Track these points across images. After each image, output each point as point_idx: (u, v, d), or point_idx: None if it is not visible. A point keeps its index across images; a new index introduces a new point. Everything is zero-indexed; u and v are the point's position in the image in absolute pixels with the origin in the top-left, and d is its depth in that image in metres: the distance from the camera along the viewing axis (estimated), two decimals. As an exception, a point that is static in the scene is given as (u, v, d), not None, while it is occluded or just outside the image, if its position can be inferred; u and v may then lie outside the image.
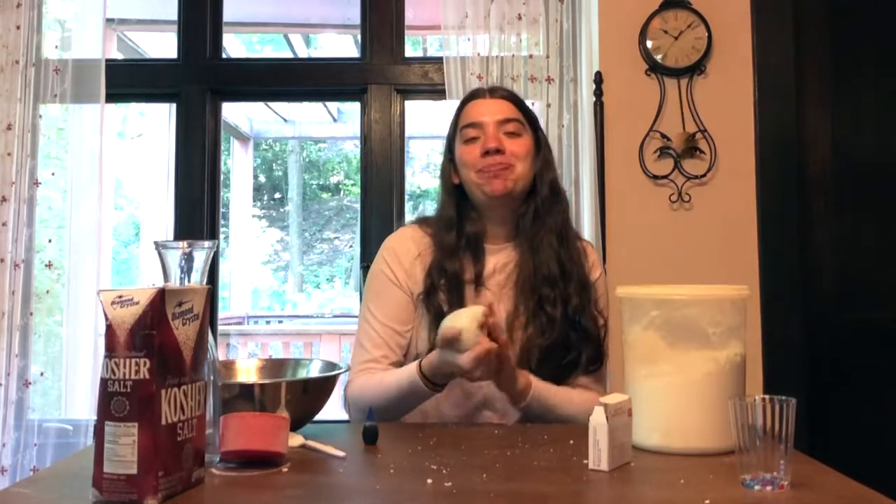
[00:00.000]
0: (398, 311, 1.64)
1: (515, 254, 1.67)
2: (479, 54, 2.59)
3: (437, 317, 1.59)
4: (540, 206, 1.66)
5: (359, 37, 3.08)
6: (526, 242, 1.65)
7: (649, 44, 2.54)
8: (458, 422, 1.59)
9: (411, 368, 1.52)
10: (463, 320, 1.40)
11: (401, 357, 1.64)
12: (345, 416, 1.84)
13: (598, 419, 1.11)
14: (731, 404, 1.06)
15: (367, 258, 1.95)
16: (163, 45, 4.76)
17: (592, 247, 1.79)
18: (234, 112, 6.83)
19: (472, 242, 1.65)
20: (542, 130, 1.75)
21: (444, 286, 1.61)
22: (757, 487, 1.02)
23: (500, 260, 1.67)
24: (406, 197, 2.84)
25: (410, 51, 3.33)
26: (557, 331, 1.58)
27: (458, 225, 1.66)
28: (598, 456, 1.11)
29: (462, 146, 1.67)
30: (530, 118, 1.71)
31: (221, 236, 4.18)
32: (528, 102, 2.51)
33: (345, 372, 1.46)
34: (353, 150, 10.44)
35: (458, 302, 1.60)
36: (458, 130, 1.69)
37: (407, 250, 1.68)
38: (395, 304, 1.65)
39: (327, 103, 7.31)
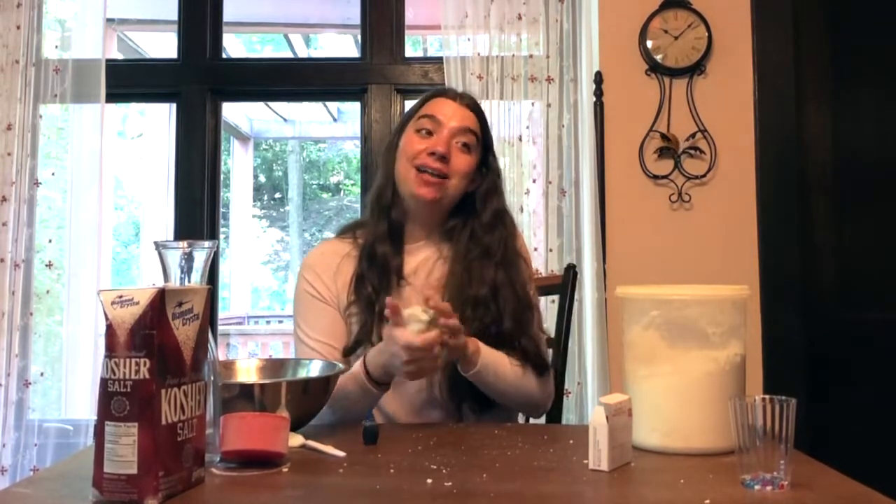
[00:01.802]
0: (330, 328, 1.62)
1: (435, 255, 1.64)
2: (479, 54, 2.59)
3: (366, 303, 1.58)
4: (477, 228, 1.62)
5: (359, 37, 3.08)
6: (458, 261, 1.61)
7: (649, 44, 2.54)
8: (409, 422, 1.57)
9: (356, 369, 1.49)
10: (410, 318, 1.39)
11: (347, 367, 1.59)
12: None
13: (598, 419, 1.11)
14: (731, 404, 1.06)
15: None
16: (163, 45, 4.76)
17: (522, 237, 1.75)
18: (234, 112, 6.83)
19: (395, 235, 1.63)
20: (494, 157, 1.70)
21: (373, 271, 1.59)
22: (757, 487, 1.02)
23: (419, 260, 1.65)
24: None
25: (410, 51, 3.33)
26: None
27: (389, 209, 1.63)
28: (598, 456, 1.11)
29: (411, 134, 1.63)
30: (486, 139, 1.67)
31: (221, 236, 4.18)
32: (528, 102, 2.56)
33: (344, 372, 1.46)
34: (353, 150, 10.44)
35: (385, 288, 1.58)
36: (415, 119, 1.64)
37: (326, 265, 1.65)
38: (327, 321, 1.62)
39: (327, 103, 7.32)
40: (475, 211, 1.64)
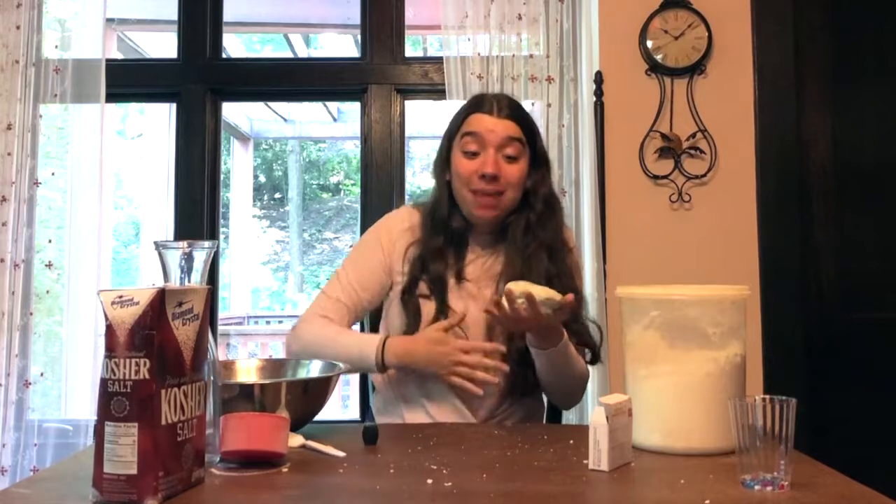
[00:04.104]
0: (370, 279, 1.70)
1: (495, 253, 1.71)
2: (479, 54, 2.59)
3: (414, 313, 1.65)
4: (533, 221, 1.69)
5: (359, 37, 3.08)
6: (517, 253, 1.68)
7: (649, 44, 2.54)
8: (429, 397, 1.63)
9: (372, 339, 1.60)
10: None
11: (354, 320, 1.72)
12: (344, 416, 1.85)
13: (598, 419, 1.11)
14: (731, 404, 1.06)
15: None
16: (163, 45, 4.76)
17: (568, 228, 1.83)
18: (234, 112, 6.82)
19: (457, 239, 1.70)
20: (541, 142, 1.75)
21: (426, 283, 1.66)
22: (757, 487, 1.02)
23: (480, 257, 1.71)
24: (406, 197, 2.84)
25: (410, 51, 3.33)
26: None
27: (447, 221, 1.70)
28: (598, 456, 1.11)
29: (460, 156, 1.69)
30: (531, 134, 1.71)
31: (221, 236, 4.17)
32: (528, 102, 2.56)
33: (345, 372, 1.46)
34: (353, 150, 10.44)
35: (439, 299, 1.65)
36: (459, 136, 1.70)
37: (402, 226, 1.74)
38: (371, 271, 1.71)
39: (327, 103, 7.31)
40: (528, 203, 1.70)
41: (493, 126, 1.67)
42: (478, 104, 1.73)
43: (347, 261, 1.75)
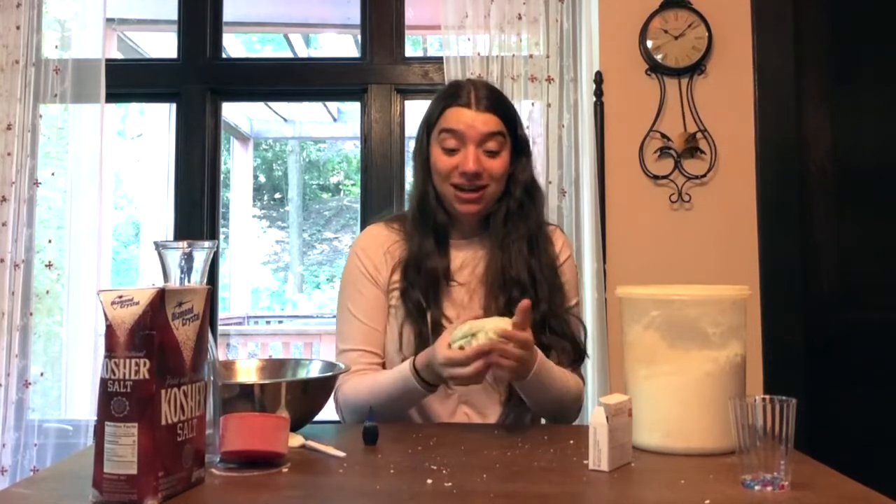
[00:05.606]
0: (375, 310, 1.65)
1: (481, 250, 1.67)
2: (479, 54, 2.59)
3: (418, 312, 1.59)
4: (514, 208, 1.65)
5: (359, 37, 3.08)
6: (496, 242, 1.64)
7: (649, 44, 2.54)
8: (439, 418, 1.59)
9: (404, 368, 1.50)
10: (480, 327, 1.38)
11: (381, 355, 1.65)
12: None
13: (598, 419, 1.11)
14: (731, 404, 1.06)
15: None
16: (163, 45, 4.76)
17: (560, 231, 1.77)
18: (234, 112, 6.83)
19: (441, 237, 1.65)
20: (521, 129, 1.70)
21: (421, 282, 1.61)
22: (757, 488, 1.02)
23: (465, 256, 1.67)
24: (406, 197, 2.83)
25: (410, 51, 3.33)
26: None
27: (433, 217, 1.65)
28: (598, 456, 1.11)
29: (439, 152, 1.62)
30: (512, 125, 1.65)
31: (221, 236, 4.17)
32: (528, 102, 2.56)
33: (344, 372, 1.46)
34: (353, 150, 10.45)
35: (434, 297, 1.60)
36: (437, 131, 1.64)
37: (376, 248, 1.68)
38: (373, 302, 1.65)
39: (327, 103, 7.31)
40: (508, 191, 1.66)
41: (471, 121, 1.60)
42: (455, 95, 1.65)
43: (347, 301, 1.67)
